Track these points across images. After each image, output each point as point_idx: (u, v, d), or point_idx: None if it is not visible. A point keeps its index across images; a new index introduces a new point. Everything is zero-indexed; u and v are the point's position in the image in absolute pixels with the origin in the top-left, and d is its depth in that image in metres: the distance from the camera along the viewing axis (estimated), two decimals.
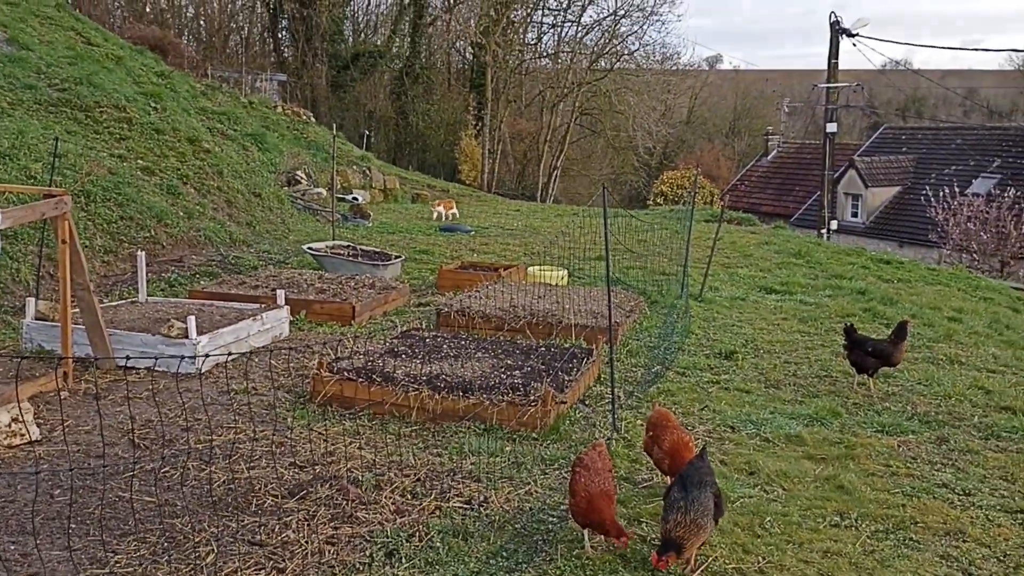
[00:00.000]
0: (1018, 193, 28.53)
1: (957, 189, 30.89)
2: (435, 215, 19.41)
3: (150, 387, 7.27)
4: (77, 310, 7.43)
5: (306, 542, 4.72)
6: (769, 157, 46.37)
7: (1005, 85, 69.73)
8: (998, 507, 5.50)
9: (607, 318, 9.07)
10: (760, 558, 4.75)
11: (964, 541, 5.02)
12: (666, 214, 20.77)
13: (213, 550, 4.62)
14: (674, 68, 48.88)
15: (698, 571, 4.59)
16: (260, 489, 5.34)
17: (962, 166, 36.08)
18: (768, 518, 5.24)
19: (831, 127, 30.19)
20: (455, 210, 20.02)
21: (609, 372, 7.17)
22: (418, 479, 5.58)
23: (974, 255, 27.76)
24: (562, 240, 16.15)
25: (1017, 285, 17.80)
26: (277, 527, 4.89)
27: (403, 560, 4.60)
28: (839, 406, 7.36)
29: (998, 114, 57.71)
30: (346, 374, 7.03)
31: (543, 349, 8.09)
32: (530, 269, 12.01)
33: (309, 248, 12.43)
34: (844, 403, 7.48)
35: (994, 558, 4.85)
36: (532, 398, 6.61)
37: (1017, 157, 34.90)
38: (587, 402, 7.34)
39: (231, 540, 4.75)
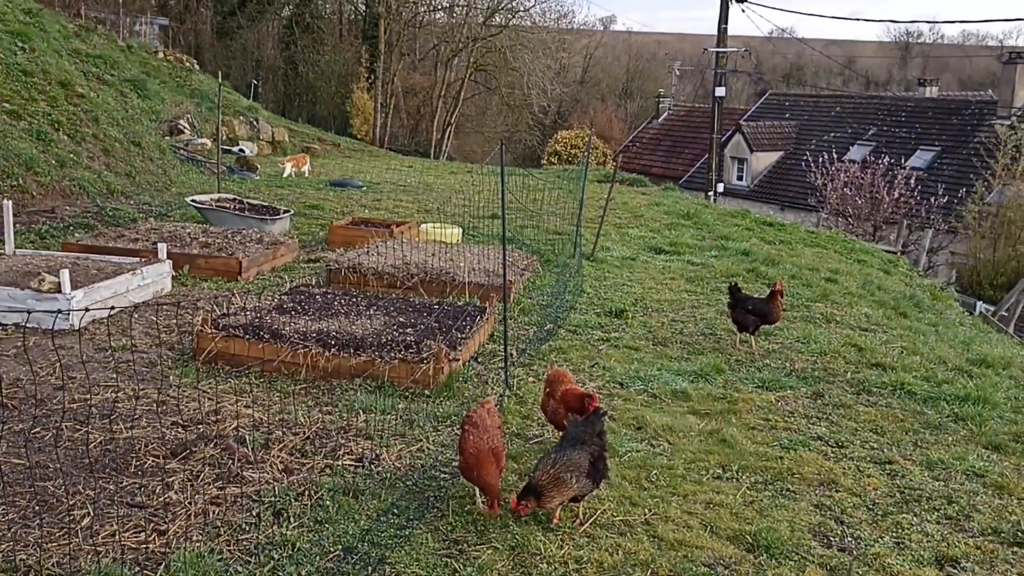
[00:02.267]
0: (891, 160, 29.89)
1: (835, 155, 32.16)
2: (284, 172, 18.20)
3: (19, 344, 6.89)
4: None
5: (189, 503, 4.58)
6: (660, 119, 47.18)
7: (882, 55, 72.72)
8: (868, 458, 5.79)
9: (501, 276, 9.09)
10: (646, 510, 4.88)
11: (837, 491, 5.28)
12: (559, 173, 20.90)
13: (89, 513, 4.43)
14: (569, 27, 49.00)
15: (587, 524, 4.67)
16: (140, 449, 5.14)
17: (840, 133, 37.57)
18: (654, 471, 5.38)
19: (720, 91, 30.89)
20: (308, 166, 18.98)
21: (502, 330, 7.19)
22: (307, 437, 5.48)
23: (849, 219, 28.99)
24: (456, 198, 16.07)
25: (888, 248, 18.72)
26: (158, 488, 4.72)
27: (291, 519, 4.52)
28: (723, 363, 7.59)
29: (875, 83, 60.18)
30: (232, 331, 6.82)
31: (436, 307, 8.04)
32: (423, 226, 11.89)
33: (193, 201, 11.97)
34: (727, 360, 7.73)
35: (864, 507, 5.12)
36: (425, 356, 6.57)
37: (891, 126, 36.54)
38: (480, 360, 7.35)
39: (108, 502, 4.56)
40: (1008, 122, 31.22)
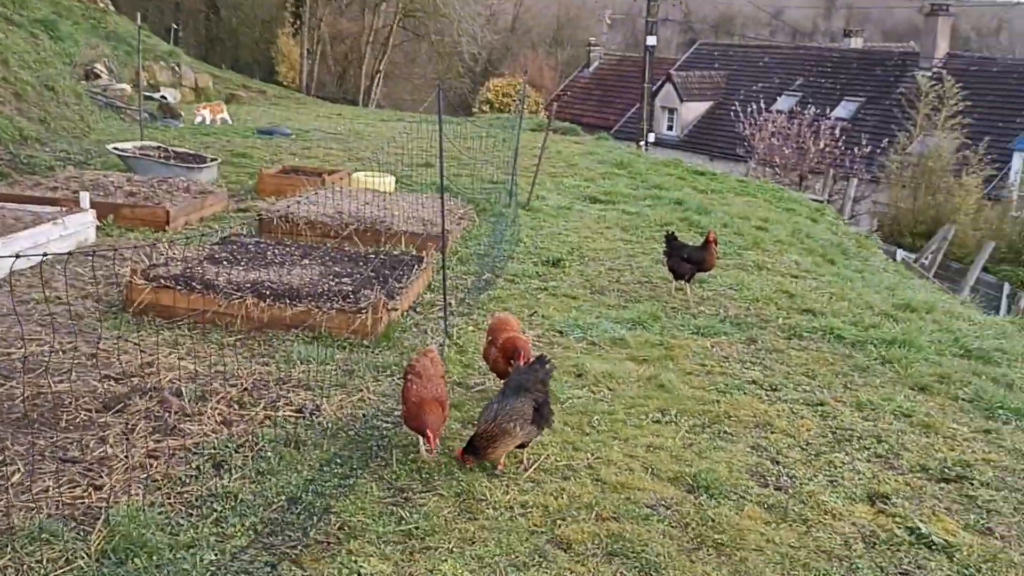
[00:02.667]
0: (817, 111, 30.42)
1: (763, 105, 32.59)
2: (198, 119, 17.43)
3: None
4: None
5: (126, 457, 4.46)
6: (591, 68, 47.07)
7: (808, 5, 73.51)
8: (801, 401, 5.95)
9: (437, 226, 9.00)
10: (589, 455, 4.93)
11: (772, 432, 5.41)
12: (492, 122, 20.73)
13: (19, 469, 4.28)
14: None
15: (531, 469, 4.71)
16: (71, 404, 4.98)
17: (768, 83, 38.04)
18: (596, 417, 5.44)
19: (651, 40, 30.94)
20: (224, 114, 18.12)
21: (442, 279, 7.14)
22: (245, 389, 5.38)
23: (776, 169, 29.51)
24: (388, 146, 15.81)
25: (815, 197, 19.11)
26: (93, 443, 4.59)
27: (233, 471, 4.44)
28: (659, 310, 7.68)
29: (801, 34, 60.90)
30: (163, 282, 6.62)
31: (372, 256, 7.93)
32: (356, 175, 11.67)
33: (115, 148, 11.52)
34: (663, 307, 7.82)
35: (798, 447, 5.27)
36: (363, 306, 6.49)
37: (817, 77, 37.13)
38: (419, 310, 7.30)
39: (40, 458, 4.42)
40: (929, 73, 31.97)
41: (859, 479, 4.91)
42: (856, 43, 41.19)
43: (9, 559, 3.58)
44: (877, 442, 5.38)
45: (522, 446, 4.68)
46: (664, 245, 8.29)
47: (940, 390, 6.37)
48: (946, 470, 5.08)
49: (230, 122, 17.78)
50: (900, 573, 4.07)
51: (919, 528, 4.40)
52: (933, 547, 4.27)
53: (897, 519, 4.51)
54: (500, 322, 5.77)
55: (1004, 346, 7.62)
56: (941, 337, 7.66)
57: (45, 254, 4.62)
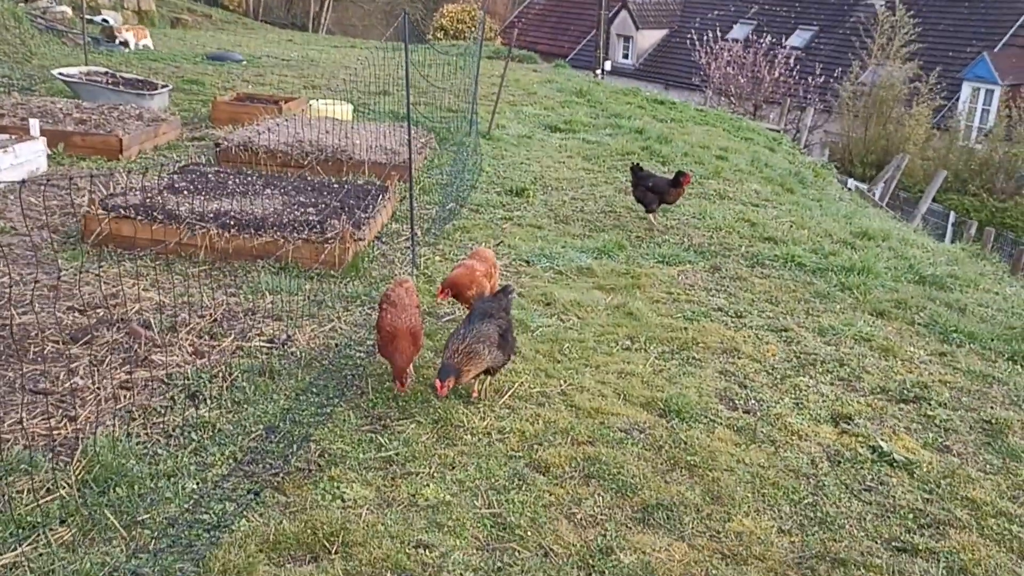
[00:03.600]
0: (772, 40, 30.35)
1: (719, 34, 32.40)
2: (119, 40, 16.66)
3: None
4: None
5: (98, 388, 4.42)
6: None
7: None
8: (765, 327, 6.08)
9: (399, 154, 8.90)
10: (562, 381, 5.00)
11: (739, 358, 5.53)
12: (448, 50, 20.35)
13: None
14: None
15: (506, 396, 4.77)
16: (37, 336, 4.90)
17: (724, 11, 37.74)
18: (566, 344, 5.50)
19: None
20: (148, 40, 17.37)
21: (405, 209, 7.08)
22: (215, 320, 5.34)
23: (732, 98, 29.52)
24: (342, 73, 15.49)
25: (772, 127, 19.20)
26: (62, 374, 4.53)
27: (208, 401, 4.43)
28: (624, 239, 7.73)
29: None
30: (122, 212, 6.47)
31: (336, 186, 7.82)
32: (313, 103, 11.42)
33: (61, 74, 11.12)
34: (628, 236, 7.87)
35: (764, 371, 5.40)
36: (330, 236, 6.42)
37: (773, 4, 36.92)
38: (384, 240, 7.25)
39: (9, 390, 4.36)
40: (882, 2, 32.00)
41: (823, 401, 5.06)
42: None
43: None
44: (839, 366, 5.53)
45: (490, 372, 4.70)
46: (630, 175, 8.30)
47: (897, 315, 6.55)
48: (905, 392, 5.25)
49: (152, 48, 16.99)
50: (864, 489, 4.23)
51: (881, 447, 4.56)
52: (895, 464, 4.44)
53: (860, 439, 4.67)
54: (478, 254, 5.74)
55: (956, 272, 7.84)
56: (897, 264, 7.84)
57: (32, 180, 4.48)
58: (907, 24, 28.00)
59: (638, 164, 8.35)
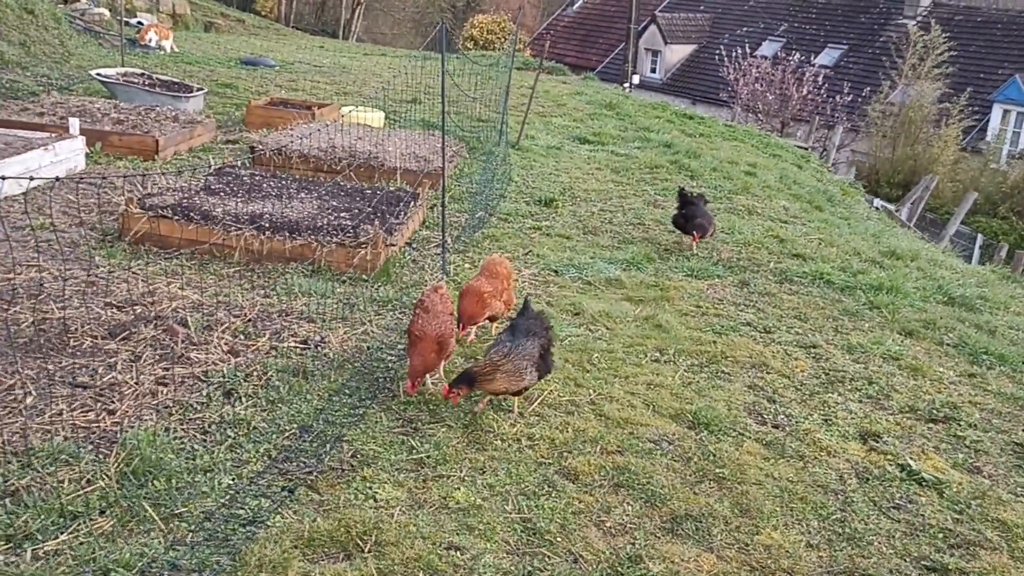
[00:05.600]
0: (801, 57, 30.31)
1: (748, 50, 32.39)
2: (148, 38, 16.35)
3: None
4: None
5: (136, 383, 4.50)
6: (575, 7, 46.37)
7: None
8: (794, 343, 6.09)
9: (431, 162, 8.98)
10: (591, 391, 5.04)
11: (768, 373, 5.54)
12: (478, 60, 20.47)
13: (31, 392, 4.31)
14: None
15: (536, 403, 4.80)
16: (76, 330, 4.99)
17: (753, 28, 37.76)
18: (595, 355, 5.53)
19: None
20: (171, 41, 17.00)
21: (435, 217, 7.15)
22: (249, 320, 5.41)
23: (759, 115, 29.48)
24: (374, 81, 15.64)
25: (800, 144, 19.16)
26: (101, 368, 4.62)
27: (243, 399, 4.50)
28: (652, 252, 7.76)
29: None
30: (160, 211, 6.58)
31: (368, 191, 7.91)
32: (345, 109, 11.54)
33: (99, 74, 11.30)
34: (657, 249, 7.90)
35: (793, 387, 5.40)
36: (363, 240, 6.50)
37: (802, 22, 36.91)
38: (415, 246, 7.32)
39: (49, 383, 4.44)
40: (914, 21, 31.88)
41: (852, 418, 5.06)
42: None
43: (31, 478, 3.63)
44: (868, 384, 5.53)
45: (518, 393, 4.63)
46: (677, 201, 8.09)
47: (926, 335, 6.53)
48: (934, 411, 5.24)
49: (176, 51, 16.89)
50: (893, 507, 4.24)
51: (909, 465, 4.56)
52: (924, 483, 4.44)
53: (888, 457, 4.67)
54: (490, 264, 5.72)
55: (986, 294, 7.80)
56: (926, 284, 7.82)
57: (31, 178, 4.59)
58: (940, 44, 27.86)
59: (685, 190, 8.17)
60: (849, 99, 28.56)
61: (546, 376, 4.76)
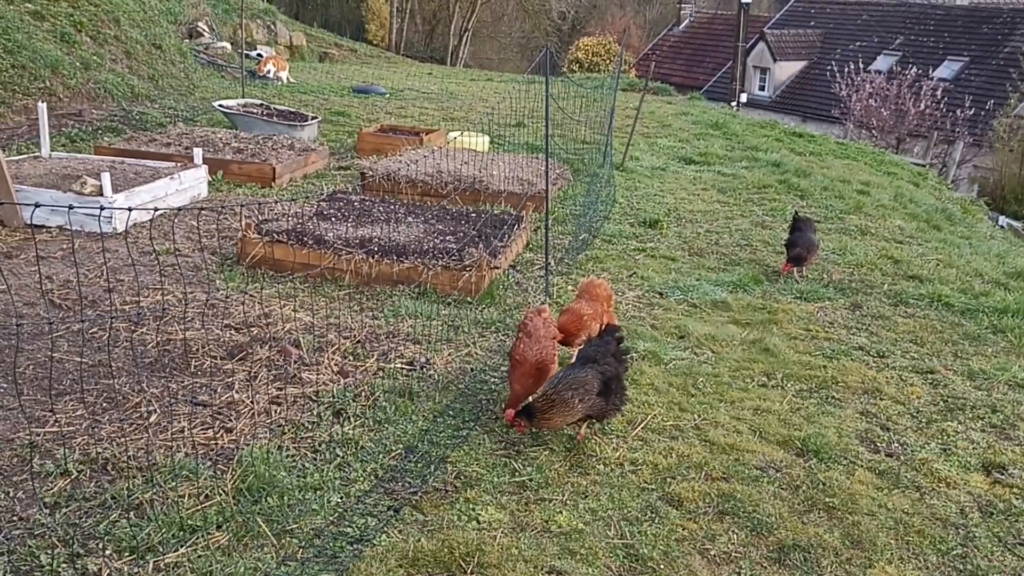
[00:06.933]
0: (918, 71, 29.25)
1: (861, 65, 31.46)
2: (266, 70, 17.03)
3: (64, 247, 6.96)
4: None
5: (252, 402, 4.69)
6: (681, 27, 46.09)
7: None
8: (910, 368, 5.86)
9: (534, 185, 9.07)
10: (696, 415, 4.97)
11: (881, 399, 5.35)
12: (582, 82, 20.57)
13: (155, 410, 4.54)
14: None
15: (639, 427, 4.77)
16: (197, 350, 5.24)
17: (867, 42, 36.65)
18: (700, 378, 5.46)
19: None
20: (287, 72, 17.58)
21: (539, 239, 7.20)
22: (358, 341, 5.57)
23: (873, 131, 28.56)
24: (479, 105, 15.89)
25: (917, 161, 18.48)
26: (219, 388, 4.83)
27: (351, 419, 4.63)
28: (760, 274, 7.61)
29: None
30: (275, 236, 6.85)
31: (473, 215, 8.03)
32: (451, 134, 11.77)
33: (220, 105, 11.86)
34: (765, 271, 7.74)
35: (908, 414, 5.20)
36: (467, 263, 6.60)
37: (919, 35, 35.63)
38: (518, 268, 7.39)
39: (173, 400, 4.67)
40: None
41: (973, 448, 4.83)
42: (962, 0, 39.30)
43: (153, 493, 3.82)
44: (991, 412, 5.27)
45: (588, 419, 4.53)
46: (790, 225, 7.85)
47: None
48: None
49: (292, 81, 17.49)
50: (1020, 543, 4.02)
51: None
52: None
53: (1015, 490, 4.44)
54: (588, 286, 5.71)
55: None
56: None
57: (156, 209, 4.83)
58: None
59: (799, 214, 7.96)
60: (971, 113, 27.38)
61: (615, 409, 4.55)
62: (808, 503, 4.19)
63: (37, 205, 3.77)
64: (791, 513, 4.09)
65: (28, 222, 7.17)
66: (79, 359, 5.05)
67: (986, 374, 5.82)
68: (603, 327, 5.07)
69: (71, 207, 4.43)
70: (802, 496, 4.24)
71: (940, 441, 4.89)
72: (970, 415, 5.23)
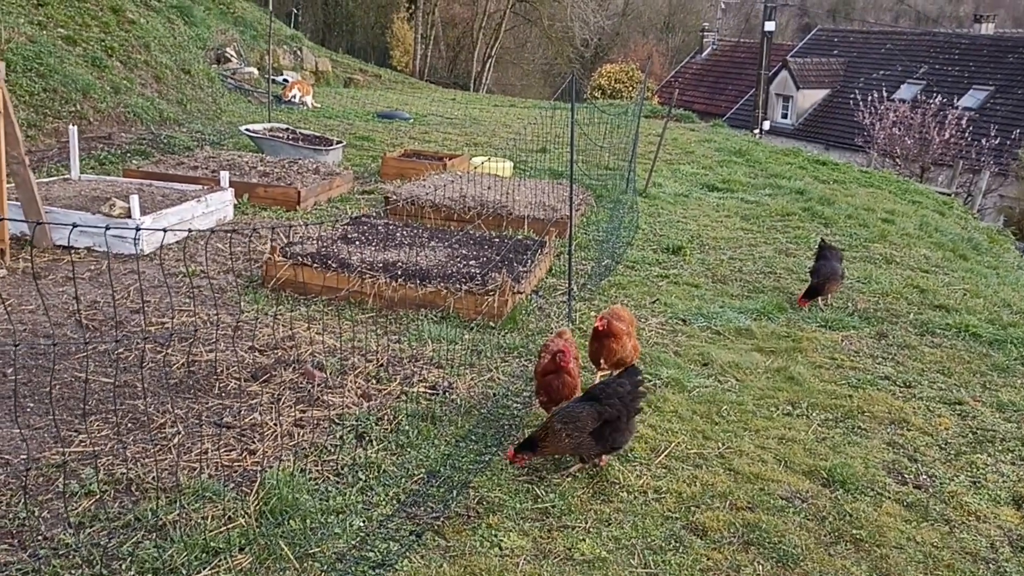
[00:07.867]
0: (943, 100, 29.13)
1: (885, 94, 31.38)
2: (291, 95, 17.10)
3: (91, 268, 7.03)
4: (12, 185, 7.06)
5: (275, 424, 4.69)
6: (704, 55, 46.26)
7: None
8: (937, 399, 5.79)
9: (557, 211, 9.08)
10: (720, 444, 4.93)
11: (908, 430, 5.29)
12: (605, 108, 20.64)
13: (180, 431, 4.56)
14: None
15: (662, 455, 4.73)
16: (222, 372, 5.26)
17: (890, 71, 36.63)
18: (724, 407, 5.42)
19: (769, 25, 30.19)
20: (311, 97, 17.58)
21: (561, 265, 7.20)
22: (381, 365, 5.57)
23: (897, 160, 28.43)
24: (503, 131, 15.98)
25: (942, 190, 18.37)
26: (243, 410, 4.84)
27: (373, 443, 4.63)
28: (784, 301, 7.56)
29: (926, 19, 58.32)
30: (300, 259, 6.89)
31: (496, 240, 8.05)
32: (475, 159, 11.83)
33: (247, 129, 11.99)
34: (789, 299, 7.69)
35: (936, 445, 5.13)
36: (490, 288, 6.61)
37: (944, 64, 35.55)
38: (541, 293, 7.39)
39: (197, 422, 4.69)
40: None
41: (1004, 482, 4.75)
42: (987, 29, 39.19)
43: (177, 514, 3.82)
44: (1022, 445, 5.19)
45: (581, 460, 4.48)
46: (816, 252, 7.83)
47: None
48: None
49: (316, 106, 17.50)
50: None
51: None
52: None
53: None
54: (611, 314, 5.66)
55: None
56: None
57: (190, 230, 4.87)
58: None
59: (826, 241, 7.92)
60: (996, 142, 27.20)
61: (613, 448, 4.47)
62: (835, 535, 4.14)
63: (75, 226, 3.82)
64: (817, 545, 4.04)
65: (56, 243, 7.26)
66: (105, 379, 5.09)
67: (1016, 406, 5.74)
68: (624, 367, 5.00)
69: (107, 228, 4.48)
70: (828, 527, 4.19)
71: (969, 474, 4.82)
72: (1000, 447, 5.16)
